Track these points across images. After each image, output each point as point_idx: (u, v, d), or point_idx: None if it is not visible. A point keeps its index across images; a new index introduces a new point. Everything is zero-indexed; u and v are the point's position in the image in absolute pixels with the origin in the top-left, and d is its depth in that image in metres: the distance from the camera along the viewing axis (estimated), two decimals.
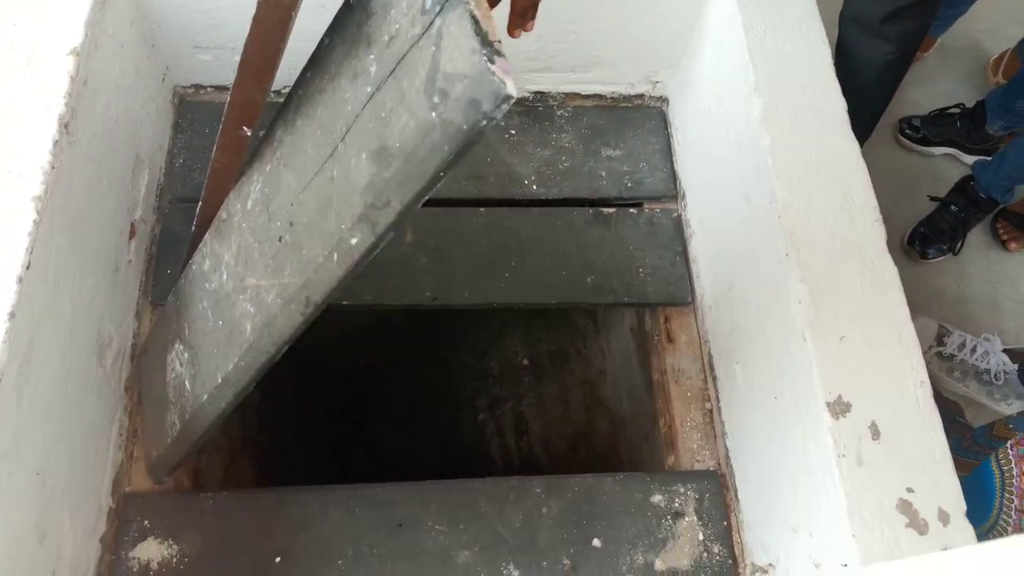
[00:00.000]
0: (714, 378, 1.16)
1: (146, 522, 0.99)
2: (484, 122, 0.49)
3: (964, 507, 0.75)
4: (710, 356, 1.18)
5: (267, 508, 1.02)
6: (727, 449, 1.10)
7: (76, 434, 0.90)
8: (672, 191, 1.31)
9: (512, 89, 0.47)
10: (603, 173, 1.32)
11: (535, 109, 1.35)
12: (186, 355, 0.89)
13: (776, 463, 0.94)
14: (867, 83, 1.70)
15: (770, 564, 0.95)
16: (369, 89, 0.58)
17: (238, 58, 0.69)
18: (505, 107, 0.48)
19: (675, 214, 1.30)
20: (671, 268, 1.26)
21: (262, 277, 0.73)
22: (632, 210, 1.31)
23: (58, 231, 0.85)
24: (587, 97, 1.36)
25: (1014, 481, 1.21)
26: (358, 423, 2.27)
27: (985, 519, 1.26)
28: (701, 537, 1.05)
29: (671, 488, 1.09)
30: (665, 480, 1.09)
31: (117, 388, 1.04)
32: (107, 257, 1.01)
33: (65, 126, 0.87)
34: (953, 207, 2.04)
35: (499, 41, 0.48)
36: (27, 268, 0.78)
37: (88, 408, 0.94)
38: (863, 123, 1.90)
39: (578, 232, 1.28)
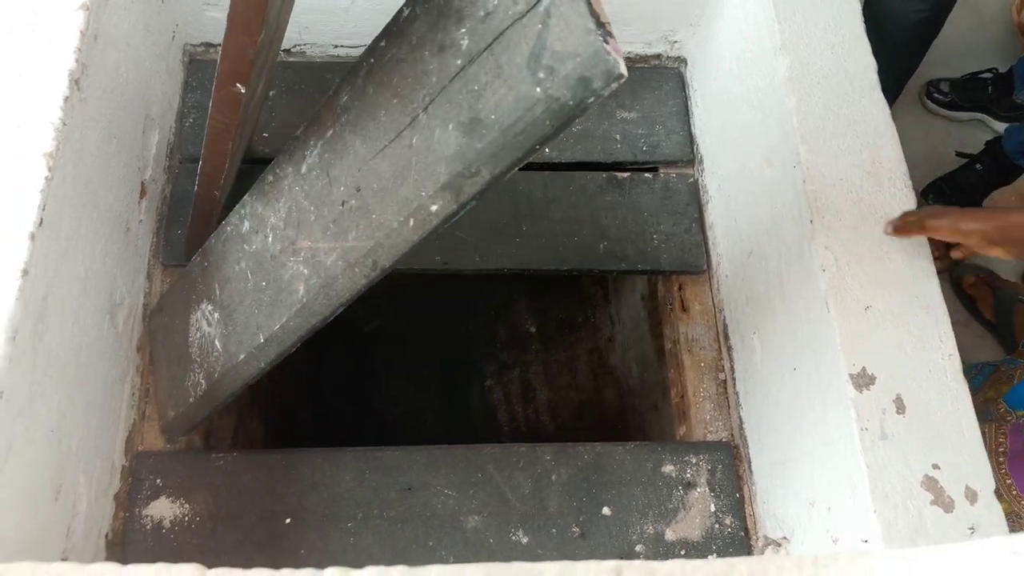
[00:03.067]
0: (729, 348, 1.14)
1: (158, 480, 0.99)
2: (592, 99, 0.51)
3: (992, 485, 0.74)
4: (725, 325, 1.16)
5: (277, 469, 1.02)
6: (741, 420, 1.09)
7: (90, 393, 0.90)
8: (689, 155, 1.28)
9: (623, 68, 0.49)
10: (617, 136, 1.29)
11: None
12: (216, 315, 0.89)
13: (793, 435, 0.93)
14: (897, 42, 1.64)
15: (784, 537, 0.94)
16: (459, 62, 0.59)
17: None
18: (615, 85, 0.50)
19: (691, 179, 1.28)
20: (686, 235, 1.24)
21: (320, 240, 0.74)
22: (647, 175, 1.28)
23: (70, 188, 0.84)
24: None
25: None
26: (365, 388, 2.27)
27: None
28: (713, 508, 1.04)
29: (683, 458, 1.08)
30: (676, 450, 1.09)
31: (129, 348, 1.03)
32: (118, 216, 0.99)
33: (76, 82, 0.85)
34: (978, 166, 1.98)
35: (609, 23, 0.50)
36: (40, 225, 0.76)
37: (101, 367, 0.93)
38: (891, 84, 1.85)
39: (591, 197, 1.25)
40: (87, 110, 0.88)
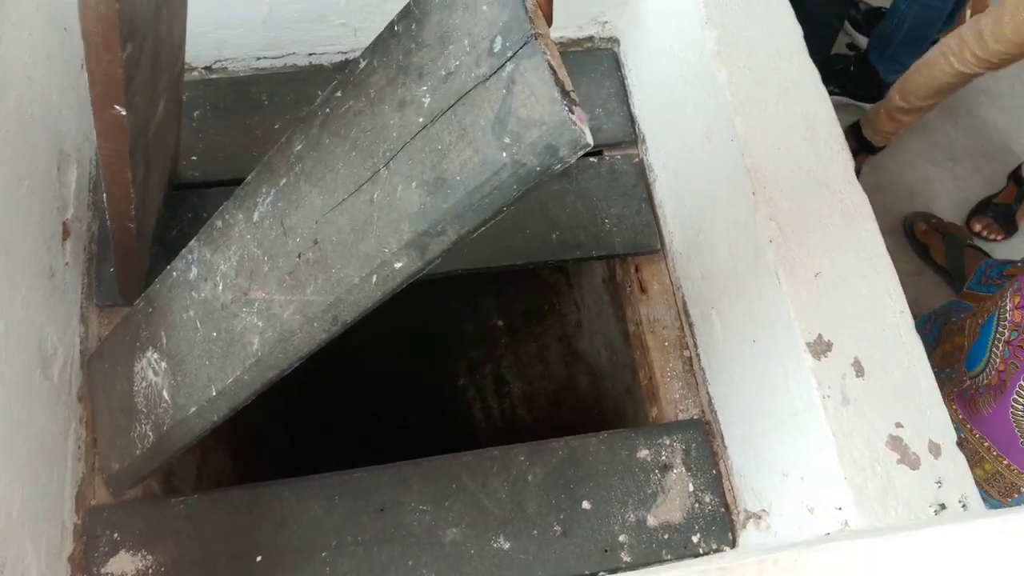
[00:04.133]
0: (690, 325, 1.13)
1: (116, 535, 0.95)
2: (558, 166, 0.52)
3: (955, 436, 0.74)
4: (684, 303, 1.15)
5: (242, 506, 0.98)
6: (710, 396, 1.08)
7: (25, 453, 0.85)
8: (631, 136, 1.26)
9: (589, 138, 0.50)
10: None
11: None
12: (163, 364, 0.86)
13: (760, 408, 0.92)
14: (820, 3, 1.65)
15: (763, 510, 0.94)
16: (421, 120, 0.58)
17: None
18: (581, 153, 0.51)
19: (636, 159, 1.26)
20: (637, 216, 1.22)
21: (275, 292, 0.72)
22: (592, 159, 1.27)
23: None
24: None
25: (1007, 315, 1.23)
26: (336, 403, 2.23)
27: (980, 359, 1.28)
28: (691, 488, 1.03)
29: (656, 441, 1.07)
30: (650, 434, 1.07)
31: (69, 399, 0.98)
32: (39, 262, 0.94)
33: None
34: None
35: (574, 91, 0.50)
36: None
37: (38, 424, 0.89)
38: (819, 46, 1.87)
39: (538, 188, 1.23)
40: None
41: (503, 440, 1.08)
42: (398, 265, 0.61)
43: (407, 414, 2.25)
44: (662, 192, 1.20)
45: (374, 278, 0.63)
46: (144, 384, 0.88)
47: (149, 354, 0.87)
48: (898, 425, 0.74)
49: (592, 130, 1.31)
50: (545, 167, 0.52)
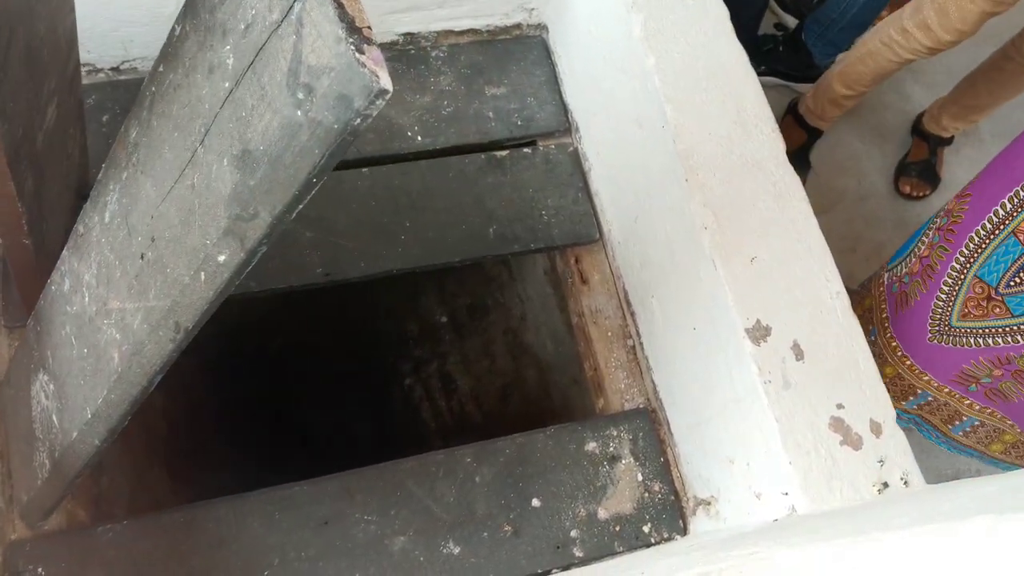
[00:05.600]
0: (632, 314, 1.12)
1: (40, 570, 0.89)
2: (358, 120, 0.45)
3: (894, 414, 0.74)
4: (625, 292, 1.14)
5: (176, 530, 0.93)
6: (654, 384, 1.07)
7: None
8: (565, 124, 1.25)
9: (387, 82, 0.42)
10: (490, 114, 1.24)
11: (407, 53, 1.25)
12: (51, 387, 0.79)
13: (704, 394, 0.92)
14: None
15: (712, 496, 0.94)
16: (227, 84, 0.52)
17: None
18: (380, 103, 0.44)
19: (571, 148, 1.24)
20: (574, 206, 1.21)
21: (126, 300, 0.65)
22: (526, 150, 1.24)
23: None
24: (461, 33, 1.27)
25: (944, 207, 1.26)
26: (282, 411, 2.17)
27: (905, 250, 1.33)
28: (640, 477, 1.03)
29: (603, 433, 1.06)
30: (596, 426, 1.06)
31: None
32: None
33: None
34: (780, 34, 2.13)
35: (368, 27, 0.43)
36: None
37: None
38: (746, 26, 1.88)
39: (472, 181, 1.20)
40: None
41: (455, 438, 1.06)
42: (221, 258, 0.56)
43: (354, 418, 2.20)
44: (598, 181, 1.18)
45: (202, 275, 0.57)
46: (39, 409, 0.82)
47: (41, 376, 0.80)
48: (839, 406, 0.75)
49: (525, 121, 1.30)
50: (343, 124, 0.45)
